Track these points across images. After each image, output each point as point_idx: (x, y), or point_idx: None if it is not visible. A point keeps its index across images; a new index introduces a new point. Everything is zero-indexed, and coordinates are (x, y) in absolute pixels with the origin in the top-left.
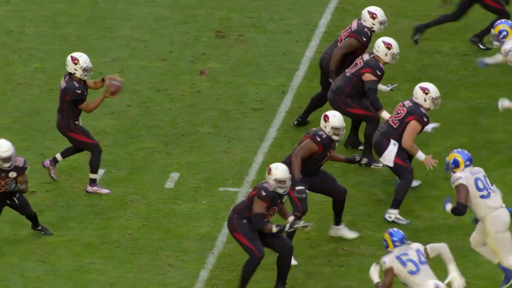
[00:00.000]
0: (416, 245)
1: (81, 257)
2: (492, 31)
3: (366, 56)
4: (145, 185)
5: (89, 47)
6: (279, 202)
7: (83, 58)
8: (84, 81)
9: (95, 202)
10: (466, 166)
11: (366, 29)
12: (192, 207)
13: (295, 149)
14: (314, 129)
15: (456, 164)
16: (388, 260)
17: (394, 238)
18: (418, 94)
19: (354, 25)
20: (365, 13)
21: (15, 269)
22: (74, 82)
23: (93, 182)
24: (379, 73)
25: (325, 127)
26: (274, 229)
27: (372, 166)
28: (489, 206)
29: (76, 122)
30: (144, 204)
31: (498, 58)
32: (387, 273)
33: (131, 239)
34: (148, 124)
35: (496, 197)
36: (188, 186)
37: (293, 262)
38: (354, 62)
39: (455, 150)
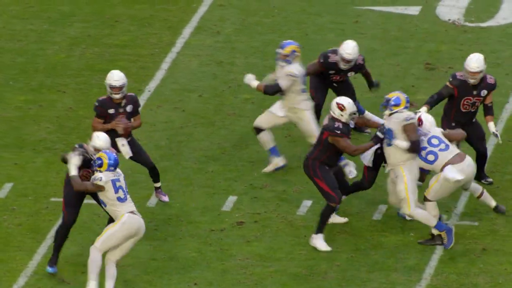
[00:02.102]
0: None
1: None
2: (282, 51)
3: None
4: (353, 217)
5: None
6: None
7: (109, 75)
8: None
9: (302, 233)
10: (406, 107)
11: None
12: (400, 239)
13: (316, 148)
14: (327, 124)
15: (397, 102)
16: (105, 177)
17: (111, 161)
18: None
19: None
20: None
21: None
22: (105, 96)
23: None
24: None
25: (342, 115)
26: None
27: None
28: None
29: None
30: (352, 236)
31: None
32: (98, 187)
33: (339, 270)
34: None
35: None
36: (396, 218)
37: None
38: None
39: (397, 91)
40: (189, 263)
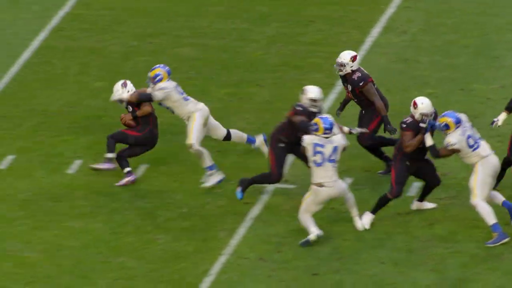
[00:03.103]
0: (339, 141)
1: (468, 268)
2: (150, 74)
3: None
4: None
5: (478, 75)
6: None
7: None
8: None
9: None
10: (457, 127)
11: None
12: None
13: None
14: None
15: (447, 127)
16: (308, 139)
17: (326, 125)
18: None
19: None
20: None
21: (408, 278)
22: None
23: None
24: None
25: (415, 113)
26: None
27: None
28: (480, 155)
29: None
30: None
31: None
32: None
33: None
34: None
35: (484, 145)
36: None
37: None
38: None
39: (445, 114)
40: (377, 244)
